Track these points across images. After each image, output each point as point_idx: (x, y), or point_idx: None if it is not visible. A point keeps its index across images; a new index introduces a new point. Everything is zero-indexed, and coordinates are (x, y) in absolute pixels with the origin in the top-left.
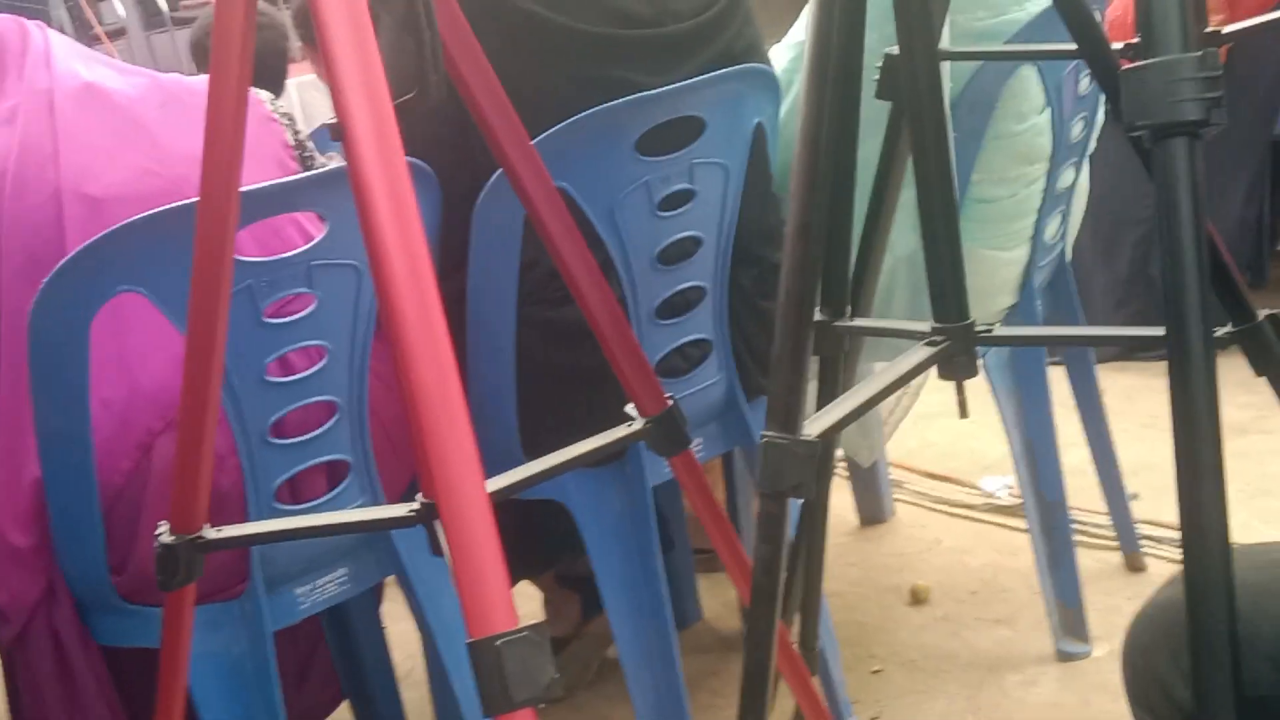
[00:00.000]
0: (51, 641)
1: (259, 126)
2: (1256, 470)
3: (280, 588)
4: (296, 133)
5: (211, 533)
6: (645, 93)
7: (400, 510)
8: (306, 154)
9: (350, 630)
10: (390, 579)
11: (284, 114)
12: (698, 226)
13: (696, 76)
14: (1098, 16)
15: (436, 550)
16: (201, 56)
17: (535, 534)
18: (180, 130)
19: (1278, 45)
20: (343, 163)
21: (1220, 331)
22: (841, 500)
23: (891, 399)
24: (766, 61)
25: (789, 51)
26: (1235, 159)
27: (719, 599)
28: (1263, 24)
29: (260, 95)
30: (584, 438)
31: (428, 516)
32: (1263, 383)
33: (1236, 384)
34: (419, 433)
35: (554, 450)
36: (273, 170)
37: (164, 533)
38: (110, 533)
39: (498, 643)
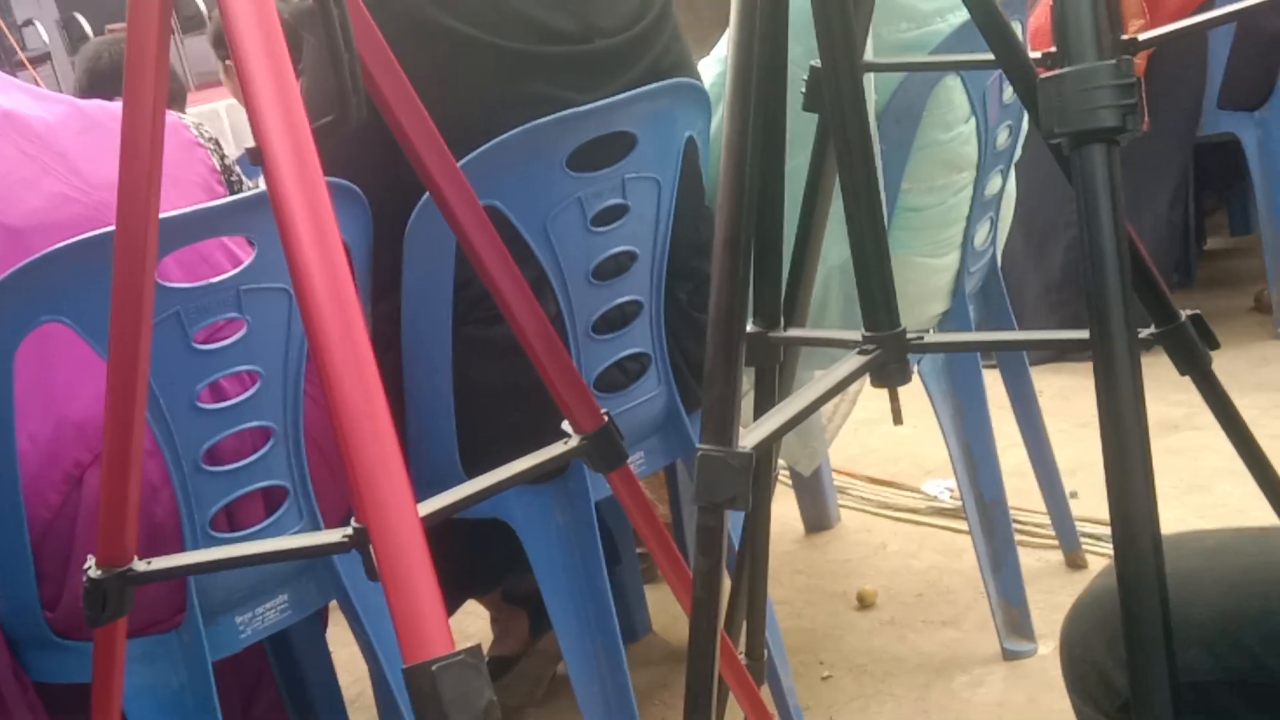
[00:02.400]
0: None
1: (184, 152)
2: (1189, 466)
3: (219, 617)
4: (223, 157)
5: (141, 565)
6: (575, 109)
7: (334, 536)
8: (234, 178)
9: (295, 657)
10: (334, 603)
11: (209, 139)
12: (632, 241)
13: (625, 92)
14: (1019, 27)
15: (372, 575)
16: (95, 82)
17: (481, 553)
18: (101, 156)
19: (1200, 50)
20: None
21: (1144, 333)
22: (786, 508)
23: (830, 406)
24: (695, 76)
25: (716, 66)
26: (1160, 163)
27: (668, 612)
28: (1179, 29)
29: (185, 120)
30: (523, 455)
31: (362, 541)
32: None
33: (1168, 382)
34: (347, 456)
35: (495, 469)
36: (199, 196)
37: (91, 567)
38: (41, 568)
39: (433, 668)
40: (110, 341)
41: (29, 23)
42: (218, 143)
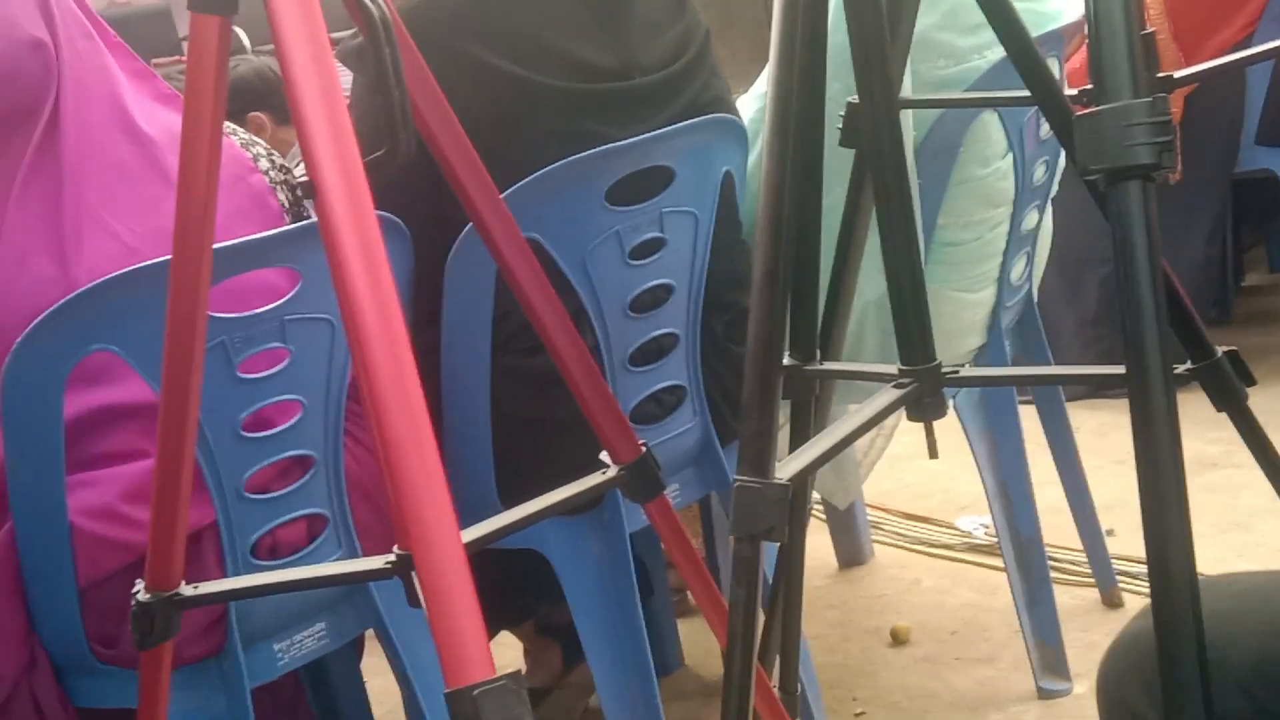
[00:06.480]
0: (33, 708)
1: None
2: (1228, 504)
3: (258, 644)
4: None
5: (188, 590)
6: (615, 144)
7: (377, 562)
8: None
9: (330, 685)
10: (370, 632)
11: (280, 167)
12: (669, 274)
13: (664, 128)
14: (1056, 64)
15: (414, 602)
16: None
17: (514, 584)
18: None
19: (1238, 87)
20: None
21: (1180, 369)
22: (821, 543)
23: (865, 441)
24: (733, 112)
25: (755, 102)
26: (1198, 199)
27: (700, 646)
28: (1214, 67)
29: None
30: (560, 486)
31: (404, 568)
32: None
33: (1206, 420)
34: (393, 484)
35: (531, 499)
36: (250, 209)
37: (140, 591)
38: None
39: (475, 692)
40: (164, 371)
41: None
42: (287, 170)
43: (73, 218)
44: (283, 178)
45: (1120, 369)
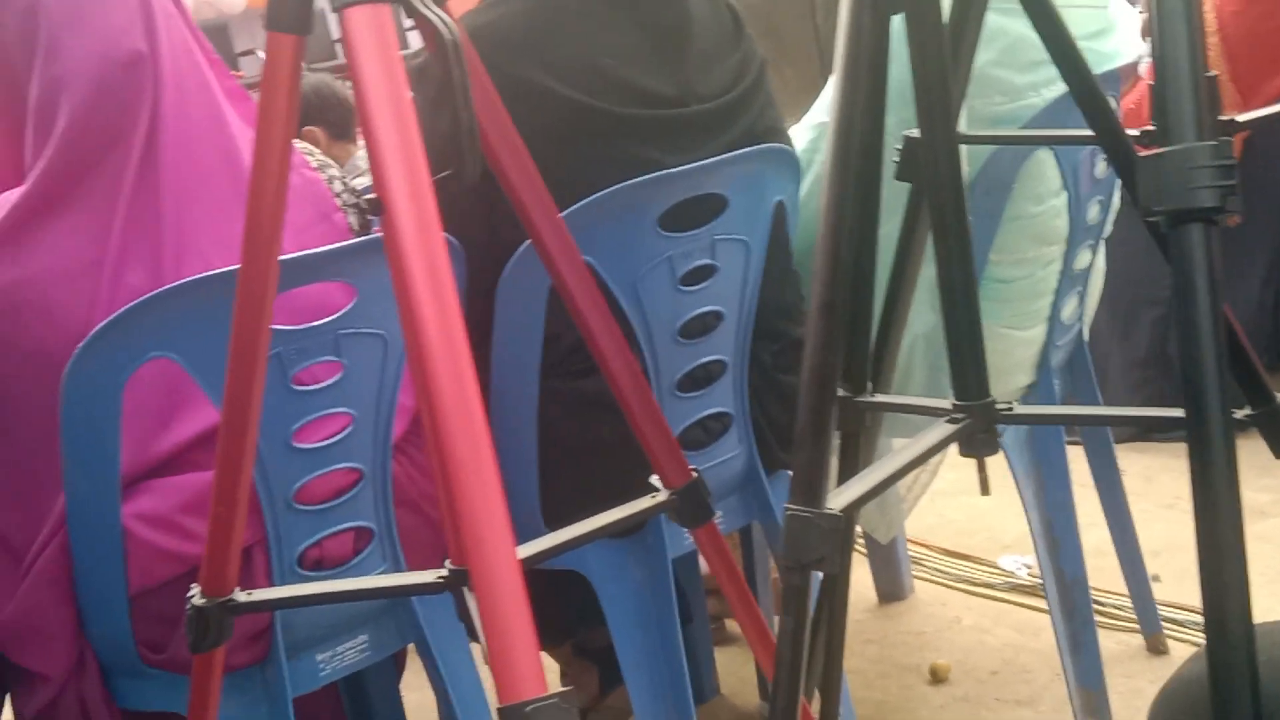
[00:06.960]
0: (79, 709)
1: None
2: (1278, 554)
3: (301, 654)
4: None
5: (242, 596)
6: (669, 170)
7: (428, 576)
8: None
9: (368, 700)
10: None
11: (351, 189)
12: (719, 301)
13: (719, 155)
14: (1113, 103)
15: (463, 617)
16: None
17: (554, 605)
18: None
19: None
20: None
21: (1239, 414)
22: (860, 577)
23: (910, 476)
24: (787, 141)
25: (809, 133)
26: (1253, 242)
27: (736, 674)
28: (1277, 113)
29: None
30: (604, 509)
31: (456, 583)
32: None
33: (1256, 468)
34: (452, 500)
35: (575, 522)
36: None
37: (195, 595)
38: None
39: (527, 709)
40: (227, 378)
41: (248, 52)
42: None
43: (173, 248)
44: (354, 201)
45: (1176, 411)
